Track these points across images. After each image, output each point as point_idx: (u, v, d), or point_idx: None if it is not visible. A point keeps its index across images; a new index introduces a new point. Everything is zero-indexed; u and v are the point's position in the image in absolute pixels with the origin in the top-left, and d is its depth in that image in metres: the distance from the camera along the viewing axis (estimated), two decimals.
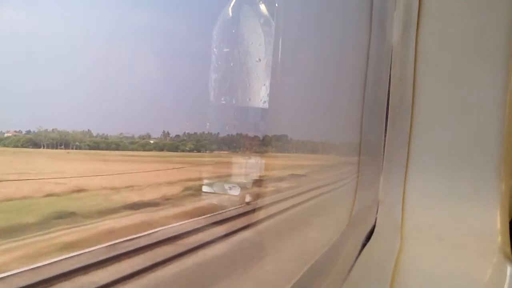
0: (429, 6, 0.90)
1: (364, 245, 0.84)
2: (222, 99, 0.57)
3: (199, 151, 1.34)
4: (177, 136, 1.34)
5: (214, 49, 0.56)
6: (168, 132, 1.29)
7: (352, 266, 0.71)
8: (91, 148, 1.04)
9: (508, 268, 0.75)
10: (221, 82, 0.57)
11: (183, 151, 1.30)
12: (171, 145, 1.27)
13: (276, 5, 0.55)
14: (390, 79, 0.96)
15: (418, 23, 0.90)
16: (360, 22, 0.90)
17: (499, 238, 0.82)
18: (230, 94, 0.57)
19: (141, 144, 1.16)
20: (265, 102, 0.56)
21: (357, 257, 0.76)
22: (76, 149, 1.00)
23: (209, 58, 0.56)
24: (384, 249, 0.84)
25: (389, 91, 0.96)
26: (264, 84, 0.56)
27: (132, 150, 1.16)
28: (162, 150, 1.25)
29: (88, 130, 1.07)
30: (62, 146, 0.94)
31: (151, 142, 1.21)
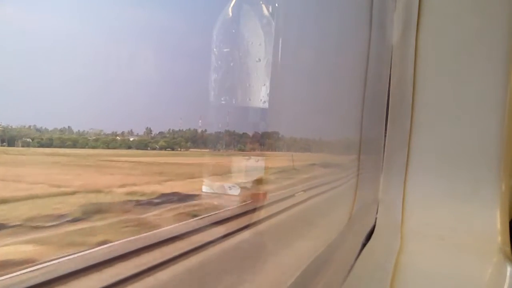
0: (429, 6, 0.90)
1: (364, 245, 0.83)
2: (222, 99, 0.57)
3: (173, 149, 1.26)
4: (161, 133, 1.28)
5: (214, 49, 0.56)
6: (150, 128, 1.22)
7: (352, 266, 0.71)
8: (41, 145, 0.97)
9: (508, 268, 0.75)
10: (221, 82, 0.57)
11: (154, 149, 1.21)
12: (140, 142, 1.18)
13: (276, 5, 0.55)
14: (390, 79, 0.96)
15: (418, 23, 0.90)
16: (360, 22, 0.89)
17: (499, 238, 0.82)
18: (230, 94, 0.57)
19: (105, 142, 1.06)
20: (265, 102, 0.56)
21: (357, 257, 0.76)
22: (23, 146, 0.94)
23: (209, 58, 0.56)
24: (384, 249, 0.84)
25: (389, 91, 0.96)
26: (264, 84, 0.56)
27: (94, 148, 1.06)
28: (130, 147, 1.15)
29: (69, 127, 1.01)
30: (5, 143, 0.89)
31: (118, 138, 1.13)
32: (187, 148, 1.25)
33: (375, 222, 0.94)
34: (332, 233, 0.77)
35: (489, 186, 0.84)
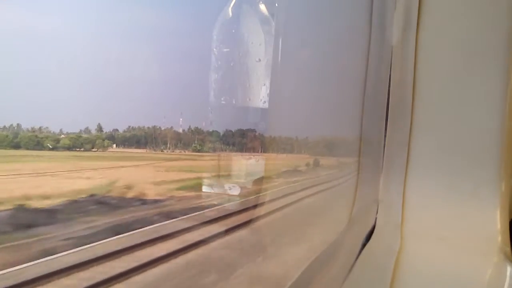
0: (429, 6, 0.89)
1: (364, 245, 0.83)
2: (222, 99, 0.57)
3: (85, 149, 1.12)
4: (115, 130, 1.19)
5: (214, 49, 0.56)
6: (100, 125, 1.13)
7: (352, 266, 0.71)
8: None
9: (508, 268, 0.75)
10: (221, 82, 0.57)
11: (53, 149, 1.07)
12: (30, 139, 1.05)
13: (276, 5, 0.55)
14: (390, 79, 0.96)
15: (418, 23, 0.90)
16: (360, 22, 0.89)
17: (499, 238, 0.82)
18: (230, 94, 0.57)
19: None
20: (265, 102, 0.56)
21: (357, 257, 0.76)
22: None
23: (209, 58, 0.56)
24: (384, 249, 0.84)
25: (389, 91, 0.96)
26: (264, 84, 0.56)
27: None
28: (18, 147, 1.02)
29: (18, 124, 0.94)
30: None
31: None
32: (104, 148, 1.14)
33: (375, 222, 0.94)
34: (332, 233, 0.77)
35: (489, 186, 0.84)
